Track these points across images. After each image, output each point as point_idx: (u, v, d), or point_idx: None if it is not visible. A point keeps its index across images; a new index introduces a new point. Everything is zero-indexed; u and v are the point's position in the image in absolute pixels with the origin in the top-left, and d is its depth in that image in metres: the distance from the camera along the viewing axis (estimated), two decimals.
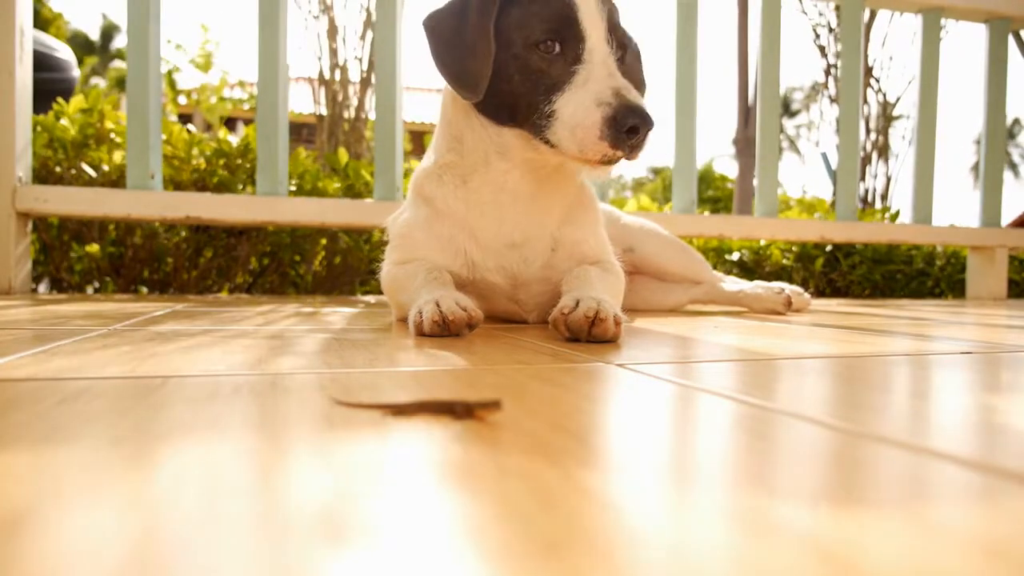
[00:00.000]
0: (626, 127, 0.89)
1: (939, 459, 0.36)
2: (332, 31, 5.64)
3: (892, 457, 0.37)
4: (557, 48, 0.97)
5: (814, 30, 9.09)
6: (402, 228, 1.15)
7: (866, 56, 8.12)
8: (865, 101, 8.18)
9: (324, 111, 5.57)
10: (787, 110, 18.53)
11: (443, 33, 1.03)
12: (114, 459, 0.34)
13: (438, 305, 0.89)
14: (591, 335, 0.86)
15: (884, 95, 8.63)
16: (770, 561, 0.23)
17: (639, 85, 1.04)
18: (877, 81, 8.53)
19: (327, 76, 5.63)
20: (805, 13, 9.08)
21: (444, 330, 0.88)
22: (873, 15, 7.94)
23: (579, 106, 0.93)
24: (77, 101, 2.28)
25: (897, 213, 3.10)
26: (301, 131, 10.20)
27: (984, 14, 2.73)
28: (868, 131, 8.34)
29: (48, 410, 0.44)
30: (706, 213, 2.69)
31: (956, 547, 0.24)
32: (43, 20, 9.17)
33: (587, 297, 0.90)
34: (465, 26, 1.00)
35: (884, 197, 8.50)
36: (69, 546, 0.23)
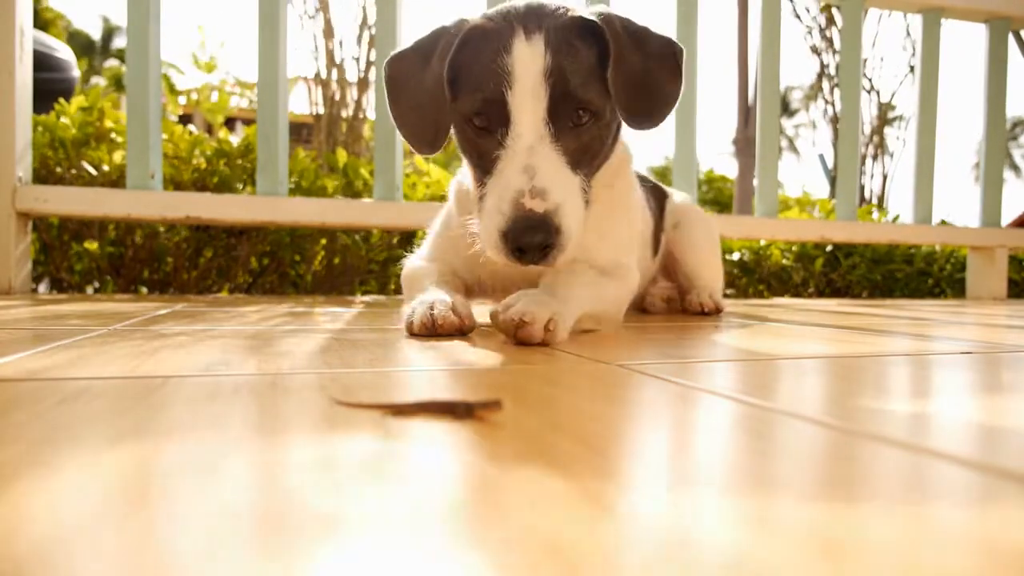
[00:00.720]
0: (516, 246, 0.82)
1: (939, 459, 0.36)
2: (328, 31, 5.64)
3: (891, 456, 0.37)
4: (488, 124, 0.87)
5: (807, 28, 9.11)
6: (432, 232, 1.19)
7: None
8: None
9: (321, 111, 5.58)
10: (786, 110, 18.51)
11: (402, 79, 0.93)
12: (114, 459, 0.34)
13: (432, 308, 0.91)
14: (517, 337, 0.82)
15: (878, 94, 8.64)
16: (770, 559, 0.23)
17: (581, 164, 0.88)
18: (870, 81, 8.53)
19: (323, 76, 5.63)
20: (798, 17, 9.08)
21: (432, 332, 0.89)
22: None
23: (491, 201, 0.85)
24: (77, 100, 2.28)
25: (875, 207, 3.10)
26: (300, 131, 10.20)
27: (984, 14, 2.73)
28: (861, 131, 8.38)
29: (48, 410, 0.44)
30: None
31: (955, 546, 0.24)
32: (43, 20, 9.17)
33: (525, 303, 0.85)
34: (426, 72, 0.89)
35: (880, 198, 8.51)
36: (70, 546, 0.23)
